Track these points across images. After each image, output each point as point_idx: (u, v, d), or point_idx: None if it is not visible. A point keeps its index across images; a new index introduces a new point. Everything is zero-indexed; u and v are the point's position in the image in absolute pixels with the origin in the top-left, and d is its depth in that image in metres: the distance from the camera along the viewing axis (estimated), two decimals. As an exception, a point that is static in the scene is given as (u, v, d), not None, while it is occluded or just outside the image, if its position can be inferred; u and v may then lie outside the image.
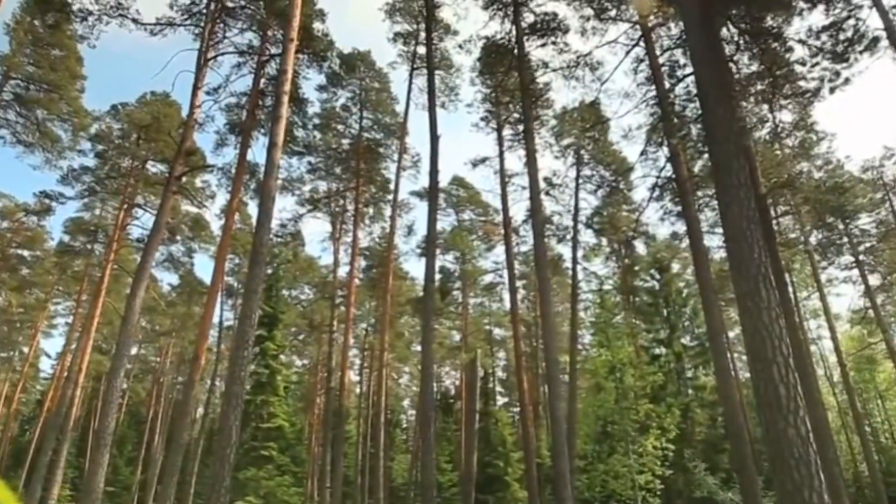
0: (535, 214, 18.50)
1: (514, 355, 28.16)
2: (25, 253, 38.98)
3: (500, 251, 37.05)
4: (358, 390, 43.85)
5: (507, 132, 27.61)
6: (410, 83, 28.22)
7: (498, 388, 50.13)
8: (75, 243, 34.90)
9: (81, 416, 39.26)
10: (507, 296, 33.23)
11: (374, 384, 34.23)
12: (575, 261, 28.70)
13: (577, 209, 28.88)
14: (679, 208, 20.45)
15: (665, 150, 17.81)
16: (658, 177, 18.91)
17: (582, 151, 28.95)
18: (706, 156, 17.21)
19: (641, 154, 19.48)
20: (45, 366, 49.11)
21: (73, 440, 31.59)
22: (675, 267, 34.92)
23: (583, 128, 25.68)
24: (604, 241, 34.38)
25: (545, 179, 29.04)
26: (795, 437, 6.60)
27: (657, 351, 30.52)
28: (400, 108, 31.05)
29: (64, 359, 37.05)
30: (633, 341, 28.47)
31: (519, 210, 62.11)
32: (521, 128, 24.52)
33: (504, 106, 26.64)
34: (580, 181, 29.29)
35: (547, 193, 29.26)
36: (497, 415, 39.99)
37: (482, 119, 27.42)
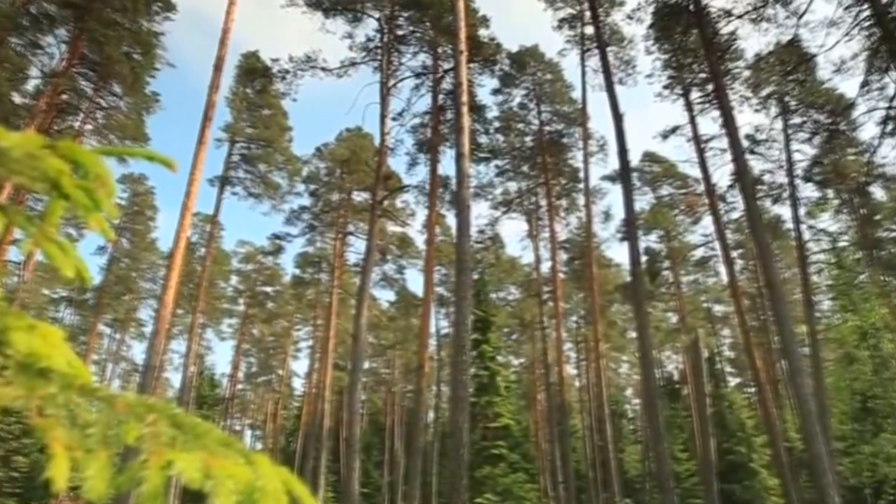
0: (742, 176, 16.97)
1: (741, 331, 25.98)
2: (268, 289, 45.14)
3: (707, 222, 34.33)
4: (577, 384, 43.55)
5: (695, 95, 25.67)
6: (583, 67, 27.55)
7: (727, 369, 46.71)
8: (305, 275, 39.42)
9: (332, 426, 43.94)
10: (722, 269, 30.89)
11: (593, 376, 33.75)
12: (797, 220, 25.75)
13: (790, 163, 25.92)
14: (924, 139, 17.41)
15: (893, 76, 15.29)
16: (889, 107, 16.30)
17: (786, 98, 25.91)
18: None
19: (863, 86, 17.00)
20: (297, 384, 55.73)
21: (328, 448, 35.47)
22: (930, 208, 29.65)
23: (783, 72, 22.98)
24: (829, 192, 30.29)
25: (747, 137, 26.44)
26: None
27: (920, 309, 26.16)
28: (576, 94, 30.45)
29: (311, 377, 41.96)
30: (885, 302, 24.71)
31: (722, 175, 57.38)
32: (710, 87, 22.67)
33: (688, 68, 24.82)
34: (789, 131, 26.24)
35: (752, 152, 26.58)
36: (730, 397, 37.16)
37: (665, 87, 25.80)
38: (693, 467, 35.75)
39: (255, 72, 27.68)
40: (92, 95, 24.44)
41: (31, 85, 23.12)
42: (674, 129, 27.25)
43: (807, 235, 26.88)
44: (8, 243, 21.13)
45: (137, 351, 51.50)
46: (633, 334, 36.01)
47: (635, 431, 50.40)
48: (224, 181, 29.62)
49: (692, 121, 25.44)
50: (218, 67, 18.17)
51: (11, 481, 28.14)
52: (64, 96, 23.00)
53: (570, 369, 42.07)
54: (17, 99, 22.13)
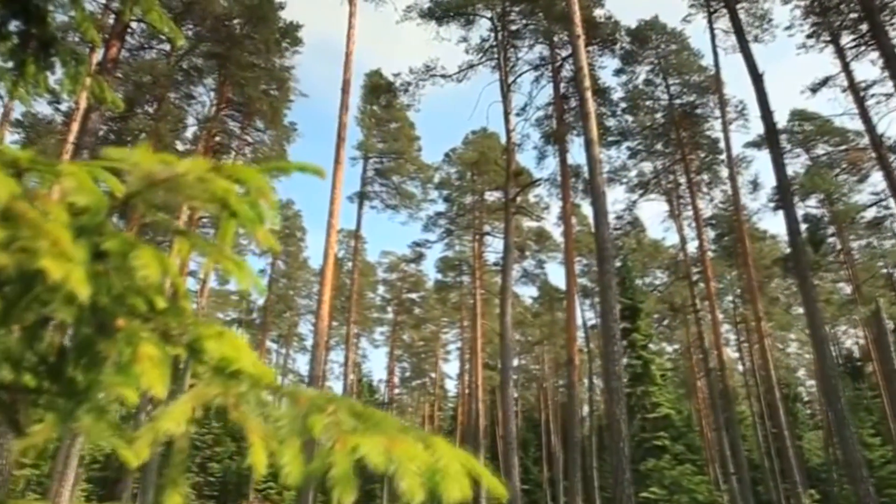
0: (916, 122, 15.02)
1: (933, 297, 22.96)
2: (414, 295, 46.86)
3: (876, 178, 30.67)
4: (741, 367, 40.81)
5: (846, 39, 23.08)
6: (712, 30, 25.75)
7: (920, 340, 41.46)
8: (447, 279, 40.43)
9: (487, 425, 44.50)
10: (901, 229, 27.50)
11: (758, 358, 31.43)
12: None
13: (977, 98, 22.51)
14: None
15: None
16: None
17: (965, 24, 22.56)
18: None
19: None
20: (450, 385, 57.12)
21: (485, 447, 35.99)
22: None
23: (957, -5, 20.06)
24: None
25: (918, 76, 23.35)
26: None
27: None
28: (706, 60, 28.67)
29: (462, 378, 42.87)
30: None
31: (890, 123, 51.26)
32: (864, 27, 20.31)
33: (834, 10, 22.43)
34: (973, 62, 22.79)
35: (925, 92, 23.43)
36: (928, 372, 32.90)
37: (809, 36, 23.51)
38: (889, 454, 32.09)
39: (379, 88, 28.86)
40: (239, 134, 26.79)
41: (189, 132, 25.88)
42: (824, 81, 24.70)
43: None
44: (184, 274, 23.68)
45: (301, 363, 55.53)
46: (800, 310, 33.08)
47: (813, 416, 46.29)
48: (362, 196, 31.17)
49: (846, 68, 22.92)
50: (345, 90, 19.16)
51: (208, 485, 31.55)
52: (217, 138, 25.39)
53: (730, 352, 39.51)
54: (179, 146, 24.83)
